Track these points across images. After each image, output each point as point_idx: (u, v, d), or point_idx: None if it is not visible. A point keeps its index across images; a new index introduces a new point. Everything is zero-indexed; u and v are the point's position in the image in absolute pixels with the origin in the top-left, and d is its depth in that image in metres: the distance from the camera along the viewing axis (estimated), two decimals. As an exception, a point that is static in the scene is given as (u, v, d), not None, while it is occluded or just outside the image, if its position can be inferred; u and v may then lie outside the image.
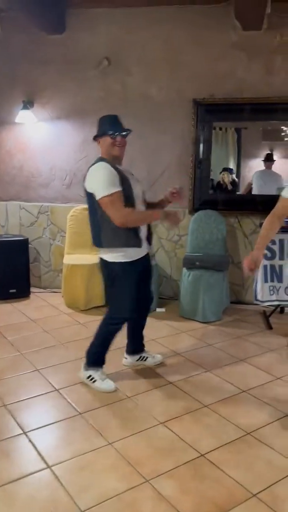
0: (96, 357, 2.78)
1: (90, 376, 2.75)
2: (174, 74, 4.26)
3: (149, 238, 2.74)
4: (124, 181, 2.52)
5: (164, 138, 4.37)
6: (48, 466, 2.05)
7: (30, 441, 2.23)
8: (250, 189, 4.61)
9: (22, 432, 2.30)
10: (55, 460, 2.10)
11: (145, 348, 3.10)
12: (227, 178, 4.71)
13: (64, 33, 4.40)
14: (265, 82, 4.08)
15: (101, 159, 2.56)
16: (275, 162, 4.57)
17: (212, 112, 4.23)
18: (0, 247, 4.50)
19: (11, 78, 4.57)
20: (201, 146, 4.31)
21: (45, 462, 2.08)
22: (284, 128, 4.41)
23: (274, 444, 2.23)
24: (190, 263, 4.05)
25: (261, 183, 4.54)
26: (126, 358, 3.07)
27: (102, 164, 2.51)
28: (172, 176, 4.42)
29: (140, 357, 3.06)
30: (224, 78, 4.15)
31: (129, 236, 2.56)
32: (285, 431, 2.35)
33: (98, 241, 2.62)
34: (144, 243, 2.67)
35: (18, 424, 2.37)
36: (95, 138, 2.63)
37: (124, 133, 2.59)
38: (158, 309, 4.24)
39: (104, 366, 2.81)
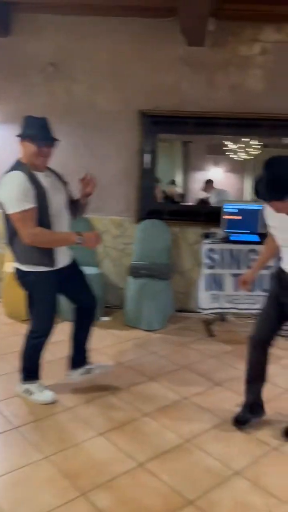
0: (28, 371, 2.68)
1: (27, 389, 2.66)
2: (120, 85, 4.29)
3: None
4: (40, 195, 2.36)
5: (111, 147, 4.38)
6: (-21, 484, 1.95)
7: None
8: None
9: None
10: (-13, 477, 2.00)
11: (89, 360, 2.94)
12: (172, 189, 4.81)
13: (8, 37, 4.31)
14: (207, 97, 4.21)
15: (18, 165, 2.38)
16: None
17: (157, 124, 4.30)
18: None
19: None
20: (147, 156, 4.36)
21: (-24, 480, 1.98)
22: (228, 143, 4.57)
23: (212, 451, 2.26)
24: (135, 272, 4.06)
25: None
26: (69, 375, 2.86)
27: (17, 175, 2.32)
28: (119, 185, 4.43)
29: (85, 370, 2.89)
30: (169, 91, 4.24)
31: (40, 255, 2.43)
32: (223, 437, 2.39)
33: (11, 246, 2.49)
34: (65, 255, 2.57)
35: None
36: (19, 137, 2.42)
37: (53, 142, 2.42)
38: (103, 318, 4.20)
39: (40, 377, 2.71)
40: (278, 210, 2.09)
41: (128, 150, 4.37)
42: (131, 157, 4.36)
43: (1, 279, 4.50)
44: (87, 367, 2.89)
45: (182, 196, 4.90)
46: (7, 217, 2.40)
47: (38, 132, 2.37)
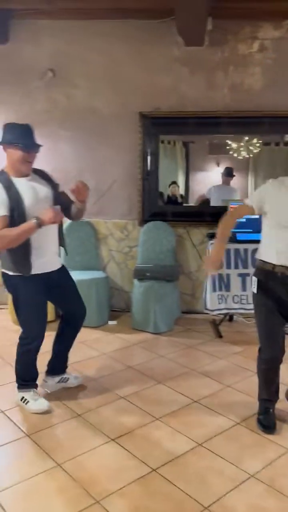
0: (22, 379, 2.67)
1: (22, 397, 2.64)
2: (119, 88, 4.28)
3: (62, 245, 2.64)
4: (15, 202, 2.33)
5: (112, 150, 4.37)
6: (-9, 495, 1.93)
7: (-29, 469, 2.10)
8: (202, 201, 4.69)
9: None
10: (1, 486, 1.98)
11: (66, 370, 2.93)
12: (175, 190, 4.78)
13: (7, 44, 4.31)
14: (207, 96, 4.20)
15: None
16: (234, 177, 4.68)
17: (158, 125, 4.29)
18: None
19: None
20: (149, 158, 4.35)
21: (-12, 491, 1.96)
22: (229, 142, 4.55)
23: (225, 454, 2.23)
24: (140, 274, 4.04)
25: (216, 196, 4.62)
26: (45, 381, 2.84)
27: None
28: (121, 188, 4.42)
29: (61, 378, 2.87)
30: (168, 92, 4.23)
31: (15, 261, 2.41)
32: (236, 440, 2.36)
33: None
34: (51, 258, 2.55)
35: None
36: (1, 144, 2.41)
37: (37, 148, 2.42)
38: (110, 322, 4.19)
39: (35, 386, 2.70)
40: None
41: (130, 152, 4.35)
42: (132, 159, 4.35)
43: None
44: (64, 376, 2.89)
45: (182, 196, 4.86)
46: None
47: (22, 138, 2.35)
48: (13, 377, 3.02)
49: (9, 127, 2.41)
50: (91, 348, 3.58)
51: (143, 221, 4.43)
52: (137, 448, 2.28)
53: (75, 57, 4.28)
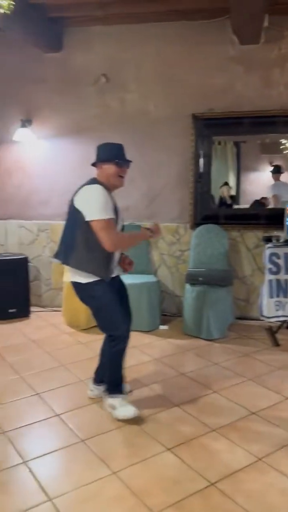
0: (116, 383, 2.66)
1: (111, 404, 2.62)
2: (171, 90, 4.24)
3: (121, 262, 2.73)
4: (115, 210, 2.50)
5: (163, 153, 4.34)
6: (49, 499, 1.94)
7: (30, 471, 2.12)
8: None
9: (22, 461, 2.19)
10: (56, 492, 1.98)
11: None
12: (226, 192, 4.66)
13: (61, 51, 4.40)
14: (263, 95, 4.06)
15: (97, 181, 2.51)
16: (283, 174, 4.52)
17: (211, 127, 4.21)
18: (0, 266, 4.42)
19: (9, 96, 4.57)
20: (201, 160, 4.27)
21: (46, 494, 1.96)
22: (283, 141, 4.37)
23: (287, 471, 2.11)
24: (193, 279, 3.97)
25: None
26: (92, 390, 2.81)
27: (100, 188, 2.45)
28: (173, 191, 4.38)
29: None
30: (222, 92, 4.13)
31: (100, 265, 2.49)
32: (298, 456, 2.23)
33: (65, 257, 2.55)
34: (115, 267, 2.64)
35: (18, 453, 2.26)
36: (96, 163, 2.56)
37: (129, 163, 2.60)
38: (161, 327, 4.14)
39: (123, 391, 2.68)
40: None
41: (182, 155, 4.30)
42: (184, 162, 4.29)
43: (61, 289, 4.58)
44: None
45: (233, 197, 4.71)
46: (74, 228, 2.47)
47: (116, 155, 2.54)
48: (68, 380, 3.07)
49: (104, 147, 2.59)
50: (143, 353, 3.55)
51: (195, 224, 4.35)
52: (194, 460, 2.21)
53: (127, 61, 4.29)
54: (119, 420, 2.54)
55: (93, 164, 2.58)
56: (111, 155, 2.53)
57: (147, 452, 2.26)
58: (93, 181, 2.52)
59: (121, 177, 2.55)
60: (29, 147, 4.62)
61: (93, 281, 2.48)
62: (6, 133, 4.59)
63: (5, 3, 3.02)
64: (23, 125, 4.47)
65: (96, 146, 2.59)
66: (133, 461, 2.19)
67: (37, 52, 4.36)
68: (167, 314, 4.46)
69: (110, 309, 2.54)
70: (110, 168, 2.51)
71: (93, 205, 2.40)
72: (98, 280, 2.49)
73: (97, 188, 2.44)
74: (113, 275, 2.61)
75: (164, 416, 2.61)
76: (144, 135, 4.33)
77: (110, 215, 2.42)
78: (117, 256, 2.61)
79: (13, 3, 3.21)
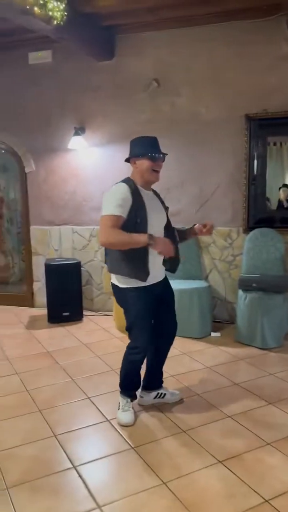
0: (123, 385, 2.69)
1: (119, 402, 2.66)
2: (223, 91, 4.15)
3: (172, 264, 2.57)
4: (139, 208, 2.38)
5: (215, 156, 4.25)
6: (98, 506, 1.93)
7: (80, 476, 2.13)
8: None
9: (72, 466, 2.20)
10: (105, 499, 1.97)
11: (163, 385, 2.85)
12: (283, 194, 4.47)
13: (113, 59, 4.46)
14: None
15: (126, 180, 2.46)
16: None
17: (266, 127, 4.06)
18: (55, 270, 4.54)
19: (63, 106, 4.69)
20: (255, 162, 4.14)
21: (95, 502, 1.96)
22: None
23: None
24: (246, 285, 3.84)
25: None
26: (142, 397, 2.78)
27: (121, 186, 2.40)
28: (225, 194, 4.27)
29: (158, 394, 2.79)
30: (276, 91, 3.98)
31: (134, 267, 2.41)
32: None
33: (106, 261, 2.61)
34: (159, 270, 2.54)
35: (68, 457, 2.27)
36: (129, 159, 2.50)
37: (164, 156, 2.48)
38: (212, 334, 4.05)
39: (133, 396, 2.68)
40: None
41: (234, 157, 4.19)
42: (237, 164, 4.18)
43: (112, 293, 4.61)
44: (160, 391, 2.80)
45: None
46: None
47: (151, 148, 2.45)
48: (118, 385, 3.05)
49: (136, 141, 2.51)
50: (194, 360, 3.48)
51: (248, 228, 4.21)
52: (247, 474, 2.11)
53: (178, 65, 4.26)
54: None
55: (127, 160, 2.51)
56: (144, 149, 2.44)
57: (197, 464, 2.20)
58: (123, 180, 2.47)
59: (156, 171, 2.46)
60: (82, 155, 4.71)
61: (129, 287, 2.45)
62: (62, 141, 4.72)
63: (58, 15, 3.11)
64: (77, 133, 4.57)
65: (130, 142, 2.52)
66: (184, 472, 2.14)
67: (90, 61, 4.44)
68: (219, 320, 4.35)
69: (138, 320, 2.50)
70: (143, 163, 2.43)
71: (106, 202, 2.37)
72: (135, 288, 2.44)
73: (118, 186, 2.41)
74: (155, 281, 2.50)
75: (215, 427, 2.53)
76: (195, 137, 4.27)
77: (117, 212, 2.31)
78: (157, 258, 2.48)
79: (66, 14, 3.29)
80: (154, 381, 2.80)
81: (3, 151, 5.05)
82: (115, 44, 4.44)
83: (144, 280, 2.43)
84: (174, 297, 2.73)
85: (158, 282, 2.55)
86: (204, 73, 4.20)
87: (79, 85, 4.60)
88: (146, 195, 2.47)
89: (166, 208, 2.62)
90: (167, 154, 2.51)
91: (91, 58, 4.41)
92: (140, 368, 2.64)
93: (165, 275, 2.66)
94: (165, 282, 2.65)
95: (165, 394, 2.80)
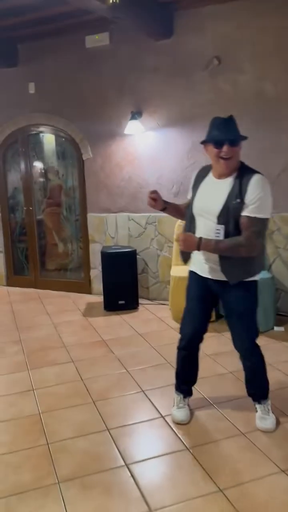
0: (176, 378, 2.56)
1: (174, 398, 2.56)
2: (291, 66, 3.80)
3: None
4: (192, 199, 2.33)
5: (281, 136, 3.93)
6: (150, 510, 1.83)
7: (131, 475, 2.05)
8: None
9: (124, 464, 2.13)
10: (157, 503, 1.87)
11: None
12: None
13: (171, 37, 4.25)
14: None
15: (204, 166, 2.39)
16: None
17: None
18: (111, 258, 4.50)
19: (120, 89, 4.57)
20: None
21: (147, 505, 1.87)
22: None
23: None
24: None
25: None
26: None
27: (196, 171, 2.41)
28: (291, 178, 3.95)
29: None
30: None
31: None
32: None
33: None
34: (202, 263, 2.28)
35: (121, 454, 2.20)
36: (203, 142, 2.25)
37: (229, 141, 2.11)
38: (276, 328, 3.80)
39: (180, 391, 2.54)
40: None
41: (303, 137, 3.84)
42: (307, 145, 3.83)
43: (168, 282, 4.49)
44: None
45: None
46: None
47: (217, 131, 2.15)
48: (173, 379, 2.94)
49: (211, 123, 2.21)
50: (255, 356, 3.27)
51: None
52: (314, 488, 1.91)
53: (242, 40, 3.96)
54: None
55: (203, 142, 2.24)
56: (209, 132, 2.18)
57: (258, 471, 2.04)
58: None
59: (223, 158, 2.13)
60: (138, 140, 4.58)
61: (189, 270, 2.42)
62: (119, 127, 4.61)
63: (113, -8, 2.96)
64: (133, 117, 4.44)
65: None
66: (242, 480, 1.98)
67: (148, 41, 4.27)
68: (283, 314, 4.07)
69: (186, 304, 2.44)
70: (209, 150, 2.19)
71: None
72: (190, 270, 2.42)
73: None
74: (202, 273, 2.30)
75: (279, 431, 2.34)
76: (258, 117, 3.96)
77: (188, 196, 2.40)
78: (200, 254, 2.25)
79: (122, -10, 3.14)
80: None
81: (63, 139, 5.05)
82: (173, 21, 4.21)
83: (184, 261, 2.40)
84: (236, 316, 2.30)
85: (212, 280, 2.28)
86: (271, 46, 3.86)
87: (136, 68, 4.45)
88: (209, 184, 2.26)
89: (240, 204, 2.14)
90: (245, 138, 2.19)
91: (149, 38, 4.24)
92: (183, 359, 2.48)
93: (239, 283, 2.23)
94: (228, 288, 2.25)
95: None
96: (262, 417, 2.38)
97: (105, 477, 2.04)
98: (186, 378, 2.54)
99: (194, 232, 2.27)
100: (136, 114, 4.47)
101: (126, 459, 2.15)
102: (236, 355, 2.46)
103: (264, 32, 3.86)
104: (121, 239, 4.87)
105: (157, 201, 2.39)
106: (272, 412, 2.41)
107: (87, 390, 2.87)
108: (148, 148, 4.56)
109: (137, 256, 4.62)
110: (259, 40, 3.89)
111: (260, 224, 2.14)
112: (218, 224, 2.17)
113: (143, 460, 2.15)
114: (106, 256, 4.51)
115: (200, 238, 2.16)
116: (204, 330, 2.43)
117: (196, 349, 2.47)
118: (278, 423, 2.39)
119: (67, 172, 5.26)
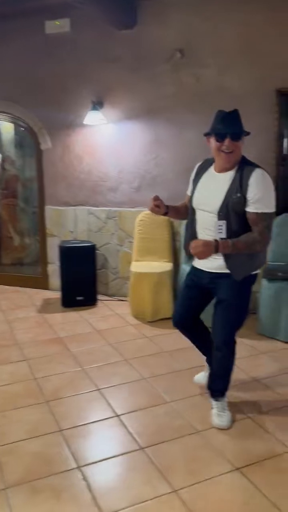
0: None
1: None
2: (254, 62, 3.81)
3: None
4: (191, 194, 2.34)
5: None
6: (102, 514, 1.76)
7: (84, 478, 1.96)
8: None
9: (76, 466, 2.04)
10: (110, 507, 1.80)
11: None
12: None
13: (135, 28, 4.15)
14: None
15: (206, 159, 2.39)
16: None
17: (299, 103, 3.73)
18: (69, 253, 4.37)
19: (80, 78, 4.42)
20: (285, 141, 3.82)
21: (99, 508, 1.79)
22: None
23: None
24: (271, 274, 3.57)
25: None
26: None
27: (197, 164, 2.42)
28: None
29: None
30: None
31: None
32: None
33: None
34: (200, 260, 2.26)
35: (73, 455, 2.11)
36: (206, 134, 2.24)
37: (228, 134, 2.10)
38: None
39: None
40: None
41: (262, 135, 3.84)
42: (266, 142, 3.85)
43: (127, 278, 4.42)
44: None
45: None
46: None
47: (219, 124, 2.14)
48: (130, 377, 2.90)
49: (214, 116, 2.21)
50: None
51: (276, 213, 3.91)
52: (268, 485, 1.91)
53: (206, 33, 3.92)
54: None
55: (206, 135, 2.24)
56: (211, 125, 2.18)
57: (213, 470, 2.01)
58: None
59: (224, 152, 2.12)
60: (99, 131, 4.46)
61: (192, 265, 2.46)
62: (78, 116, 4.47)
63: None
64: (94, 108, 4.32)
65: None
66: (197, 479, 1.95)
67: (110, 30, 4.15)
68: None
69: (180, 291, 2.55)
70: (211, 143, 2.19)
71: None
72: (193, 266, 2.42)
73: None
74: (199, 266, 2.31)
75: (234, 428, 2.32)
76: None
77: (188, 192, 2.40)
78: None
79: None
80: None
81: (21, 128, 4.85)
82: (137, 10, 4.12)
83: (186, 252, 2.37)
84: (224, 306, 2.29)
85: (206, 272, 2.28)
86: (235, 41, 3.84)
87: (98, 57, 4.32)
88: (209, 178, 2.26)
89: (241, 199, 2.12)
90: (248, 133, 2.18)
91: (111, 27, 4.12)
92: (184, 335, 2.57)
93: (231, 278, 2.22)
94: (219, 281, 2.25)
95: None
96: (218, 414, 2.36)
97: (56, 480, 1.95)
98: (201, 350, 2.63)
99: (194, 225, 2.31)
100: (97, 105, 4.34)
101: (79, 461, 2.07)
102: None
103: (228, 26, 3.84)
104: (80, 234, 4.74)
105: (160, 207, 2.32)
106: (228, 410, 2.40)
107: (40, 389, 2.75)
108: (109, 140, 4.45)
109: (97, 251, 4.52)
110: (223, 33, 3.87)
111: (268, 218, 2.17)
112: (219, 219, 2.16)
113: (96, 462, 2.07)
114: (65, 251, 4.38)
115: (217, 242, 2.11)
116: (189, 316, 2.47)
117: (190, 330, 2.54)
118: (233, 420, 2.38)
119: (24, 162, 5.06)
